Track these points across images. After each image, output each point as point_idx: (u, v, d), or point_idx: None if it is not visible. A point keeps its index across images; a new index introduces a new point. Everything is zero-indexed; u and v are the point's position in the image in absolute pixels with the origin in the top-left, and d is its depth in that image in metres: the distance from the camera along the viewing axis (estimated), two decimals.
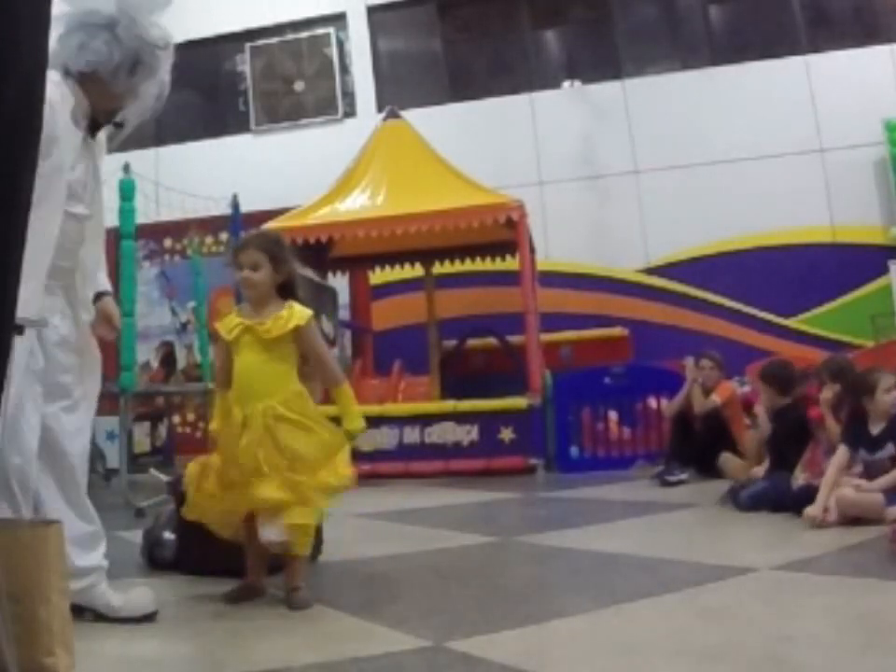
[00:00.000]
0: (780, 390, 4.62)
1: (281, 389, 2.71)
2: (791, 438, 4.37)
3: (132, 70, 2.44)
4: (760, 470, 4.53)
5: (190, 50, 10.96)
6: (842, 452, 3.75)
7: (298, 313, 2.76)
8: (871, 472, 3.65)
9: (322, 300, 7.78)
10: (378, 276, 9.14)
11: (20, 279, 0.59)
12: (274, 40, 10.71)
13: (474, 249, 8.22)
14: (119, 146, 2.96)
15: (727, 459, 5.22)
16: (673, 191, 9.19)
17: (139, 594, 2.56)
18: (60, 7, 2.30)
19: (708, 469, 5.28)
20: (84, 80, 2.44)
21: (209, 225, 8.88)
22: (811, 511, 3.56)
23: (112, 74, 2.41)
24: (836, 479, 3.65)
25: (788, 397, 4.60)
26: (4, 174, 0.56)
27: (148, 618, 2.52)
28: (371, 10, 10.48)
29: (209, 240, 9.21)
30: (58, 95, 2.36)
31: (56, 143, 2.32)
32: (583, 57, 10.32)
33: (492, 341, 8.20)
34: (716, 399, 5.58)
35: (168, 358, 9.21)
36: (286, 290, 2.84)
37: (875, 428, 3.71)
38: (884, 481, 3.53)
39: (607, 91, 9.70)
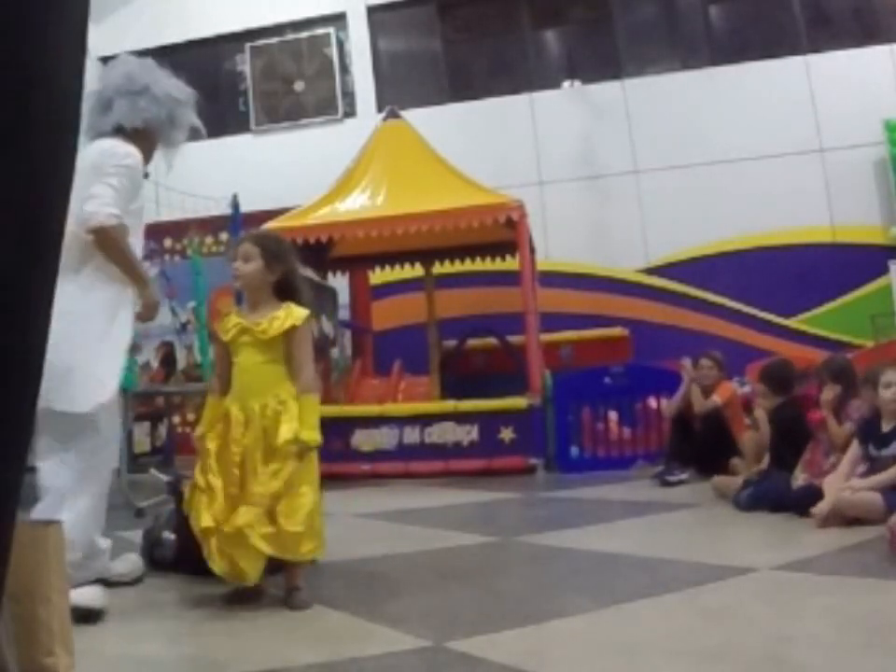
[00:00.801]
0: (776, 389, 4.62)
1: (277, 390, 2.72)
2: (788, 436, 4.37)
3: (170, 122, 2.96)
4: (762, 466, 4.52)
5: (190, 50, 11.00)
6: (854, 447, 3.76)
7: (295, 313, 2.77)
8: (876, 469, 3.64)
9: (322, 300, 7.78)
10: (378, 276, 9.14)
11: (53, 299, 0.60)
12: (274, 40, 10.71)
13: (474, 249, 8.22)
14: None
15: (737, 465, 5.17)
16: (673, 191, 9.19)
17: (133, 559, 3.09)
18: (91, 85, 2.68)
19: (708, 469, 5.27)
20: (136, 136, 2.90)
21: (209, 225, 8.88)
22: (820, 507, 3.56)
23: (159, 128, 2.94)
24: (849, 473, 3.65)
25: (783, 396, 4.59)
26: (35, 185, 0.57)
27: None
28: (371, 10, 10.48)
29: (209, 240, 9.21)
30: (138, 151, 2.87)
31: (141, 188, 2.87)
32: (583, 57, 10.31)
33: (492, 341, 8.20)
34: (717, 399, 5.57)
35: (168, 358, 9.20)
36: (284, 292, 2.84)
37: (888, 426, 3.71)
38: (877, 479, 3.54)
39: (607, 91, 9.70)
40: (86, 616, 2.52)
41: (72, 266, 2.68)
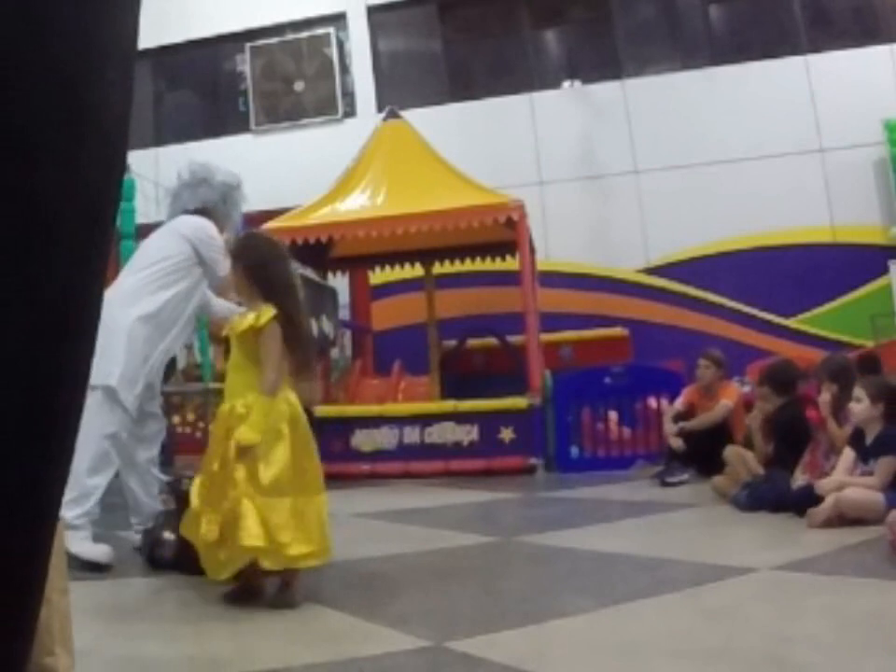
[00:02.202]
0: (780, 390, 4.61)
1: (246, 391, 2.73)
2: (789, 437, 4.36)
3: (224, 202, 3.81)
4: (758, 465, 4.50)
5: (190, 50, 10.99)
6: (847, 452, 3.76)
7: (262, 313, 2.75)
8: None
9: (322, 300, 7.78)
10: (378, 276, 9.14)
11: (100, 309, 0.65)
12: (274, 40, 10.71)
13: (474, 249, 8.22)
14: None
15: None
16: (673, 191, 9.19)
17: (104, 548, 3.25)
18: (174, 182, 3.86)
19: (708, 470, 5.27)
20: (198, 214, 3.73)
21: None
22: (816, 510, 3.55)
23: (214, 207, 3.77)
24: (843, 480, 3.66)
25: (786, 397, 4.59)
26: (88, 200, 0.60)
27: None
28: (371, 10, 10.48)
29: None
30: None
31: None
32: (583, 57, 10.32)
33: (492, 341, 8.20)
34: (728, 402, 5.59)
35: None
36: (260, 288, 2.82)
37: (869, 439, 3.72)
38: (864, 480, 3.56)
39: (607, 91, 9.70)
40: (92, 567, 3.08)
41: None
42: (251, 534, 2.54)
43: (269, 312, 2.74)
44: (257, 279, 2.81)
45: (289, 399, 2.77)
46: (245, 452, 2.61)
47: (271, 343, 2.73)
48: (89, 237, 0.59)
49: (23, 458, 0.56)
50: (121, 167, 0.64)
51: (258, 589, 2.76)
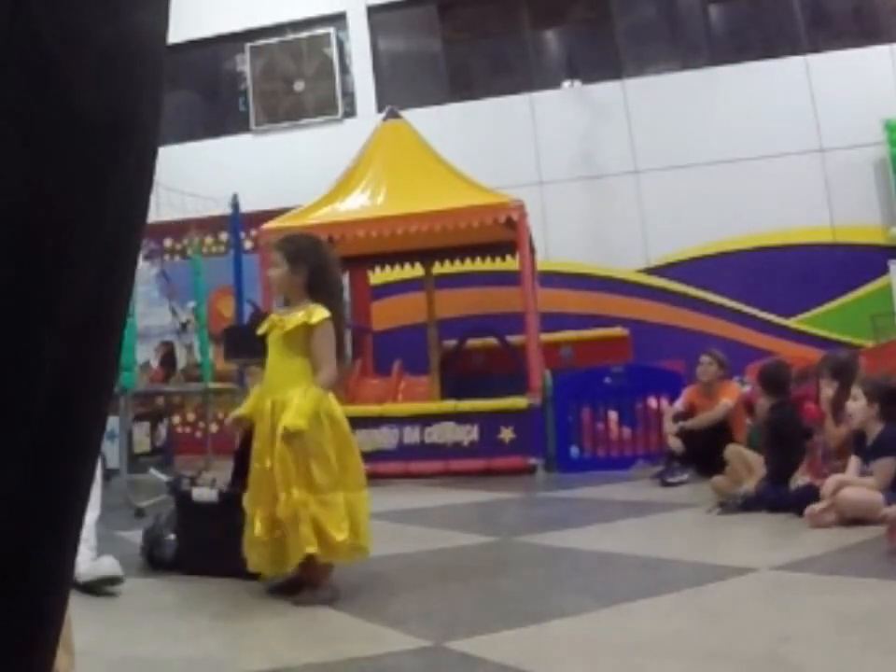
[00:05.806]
0: (770, 390, 4.62)
1: (294, 385, 2.75)
2: (783, 436, 4.35)
3: None
4: (751, 483, 4.44)
5: (190, 50, 11.00)
6: (852, 463, 3.77)
7: (314, 312, 2.80)
8: None
9: None
10: (378, 276, 9.14)
11: (126, 316, 0.66)
12: (274, 40, 10.71)
13: (474, 249, 8.21)
14: None
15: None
16: (673, 191, 9.19)
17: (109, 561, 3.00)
18: None
19: (709, 470, 5.27)
20: None
21: (209, 225, 8.88)
22: (813, 507, 3.55)
23: None
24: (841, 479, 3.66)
25: (777, 397, 4.58)
26: (122, 216, 0.61)
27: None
28: (371, 10, 10.48)
29: (209, 240, 9.21)
30: None
31: None
32: (583, 57, 10.32)
33: (492, 341, 8.20)
34: (728, 402, 5.59)
35: (168, 358, 9.21)
36: (313, 289, 2.87)
37: (869, 440, 3.72)
38: (864, 480, 3.56)
39: (607, 91, 9.70)
40: (111, 581, 2.86)
41: None
42: (309, 541, 2.61)
43: (322, 311, 2.80)
44: (315, 282, 2.86)
45: (329, 396, 2.85)
46: (291, 438, 2.63)
47: (326, 341, 2.80)
48: (116, 245, 0.59)
49: (52, 468, 0.56)
50: (149, 188, 0.64)
51: (305, 582, 2.76)
